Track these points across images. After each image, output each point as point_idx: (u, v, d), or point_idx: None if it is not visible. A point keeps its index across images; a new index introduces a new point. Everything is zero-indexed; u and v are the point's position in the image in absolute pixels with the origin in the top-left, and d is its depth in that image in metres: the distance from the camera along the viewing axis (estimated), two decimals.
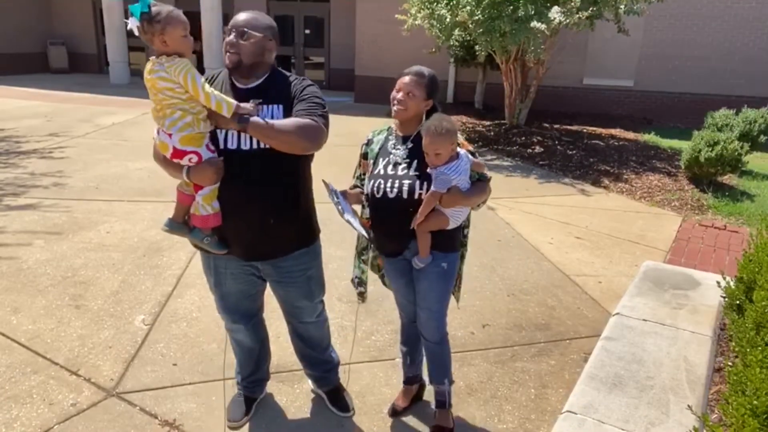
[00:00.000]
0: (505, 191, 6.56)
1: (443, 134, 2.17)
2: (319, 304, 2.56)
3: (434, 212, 2.24)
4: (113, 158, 7.33)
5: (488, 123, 10.88)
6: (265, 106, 2.12)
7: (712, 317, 3.20)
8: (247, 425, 2.60)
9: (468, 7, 7.96)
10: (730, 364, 2.82)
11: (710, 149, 6.80)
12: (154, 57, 1.99)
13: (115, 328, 3.36)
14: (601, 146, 9.28)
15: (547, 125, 10.51)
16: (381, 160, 2.38)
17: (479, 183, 2.33)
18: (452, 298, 2.58)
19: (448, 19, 8.42)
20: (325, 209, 2.58)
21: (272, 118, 2.10)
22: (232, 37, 2.09)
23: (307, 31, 15.83)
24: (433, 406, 2.62)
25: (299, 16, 15.70)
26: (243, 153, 2.11)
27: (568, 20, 7.77)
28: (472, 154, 2.32)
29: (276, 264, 2.33)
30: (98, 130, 9.17)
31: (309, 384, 2.85)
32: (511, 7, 7.89)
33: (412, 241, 2.32)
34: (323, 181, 2.30)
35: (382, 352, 3.22)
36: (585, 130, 10.54)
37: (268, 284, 2.47)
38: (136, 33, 1.95)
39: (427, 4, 8.83)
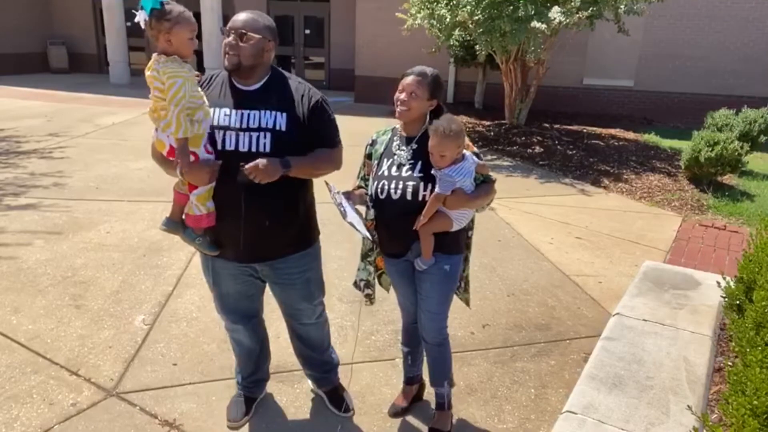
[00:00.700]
0: (505, 191, 6.55)
1: (451, 136, 2.15)
2: (319, 305, 2.55)
3: (438, 214, 2.23)
4: (113, 158, 7.33)
5: (488, 123, 10.87)
6: (267, 113, 2.12)
7: (712, 317, 3.20)
8: (247, 425, 2.60)
9: (468, 7, 7.96)
10: (730, 364, 2.82)
11: (710, 149, 6.80)
12: (156, 54, 1.98)
13: (115, 328, 3.36)
14: (601, 146, 9.28)
15: (547, 125, 10.51)
16: (385, 161, 2.36)
17: (484, 185, 2.32)
18: (464, 300, 2.58)
19: (448, 19, 8.43)
20: (325, 209, 2.58)
21: (275, 125, 2.11)
22: (231, 38, 2.09)
23: (307, 31, 15.84)
24: (433, 406, 2.62)
25: (299, 16, 15.71)
26: (241, 154, 2.10)
27: (568, 20, 7.77)
28: (477, 155, 2.31)
29: (274, 266, 2.32)
30: (98, 130, 9.17)
31: (309, 384, 2.85)
32: (511, 7, 7.89)
33: (416, 243, 2.31)
34: (326, 182, 2.30)
35: (382, 352, 3.22)
36: (585, 130, 10.54)
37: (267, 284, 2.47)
38: (143, 26, 1.94)
39: (427, 4, 8.84)
